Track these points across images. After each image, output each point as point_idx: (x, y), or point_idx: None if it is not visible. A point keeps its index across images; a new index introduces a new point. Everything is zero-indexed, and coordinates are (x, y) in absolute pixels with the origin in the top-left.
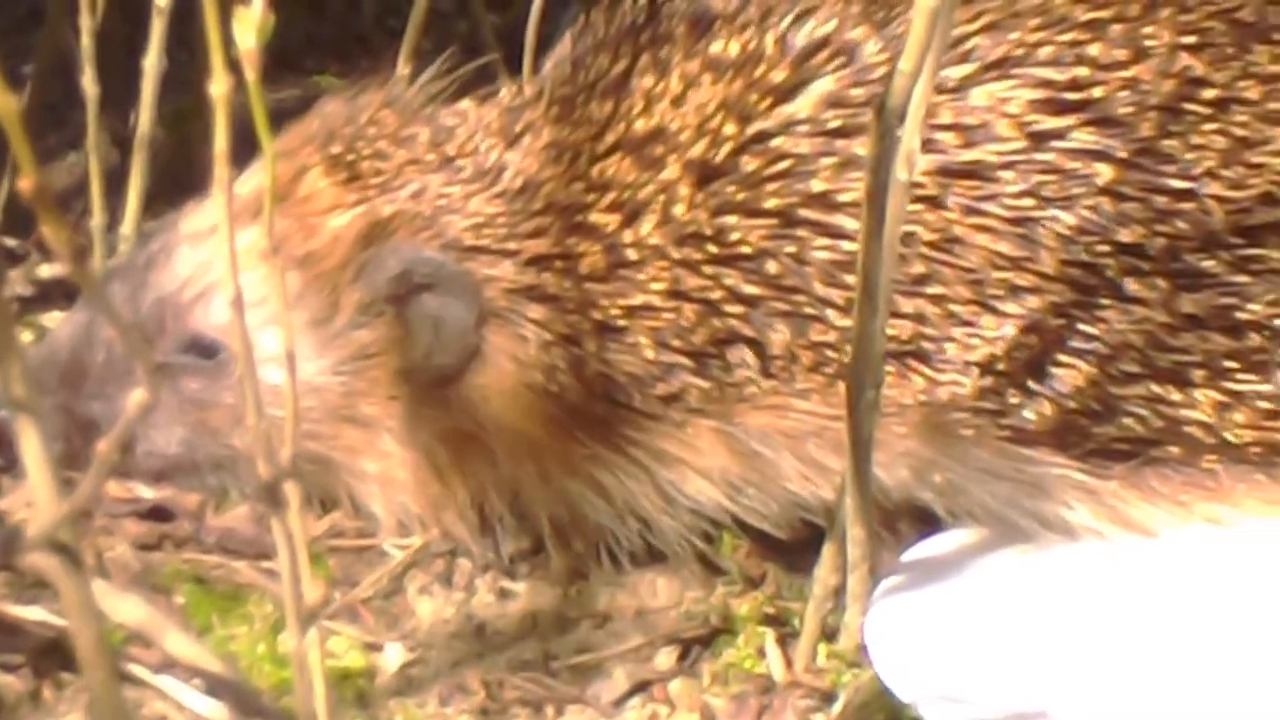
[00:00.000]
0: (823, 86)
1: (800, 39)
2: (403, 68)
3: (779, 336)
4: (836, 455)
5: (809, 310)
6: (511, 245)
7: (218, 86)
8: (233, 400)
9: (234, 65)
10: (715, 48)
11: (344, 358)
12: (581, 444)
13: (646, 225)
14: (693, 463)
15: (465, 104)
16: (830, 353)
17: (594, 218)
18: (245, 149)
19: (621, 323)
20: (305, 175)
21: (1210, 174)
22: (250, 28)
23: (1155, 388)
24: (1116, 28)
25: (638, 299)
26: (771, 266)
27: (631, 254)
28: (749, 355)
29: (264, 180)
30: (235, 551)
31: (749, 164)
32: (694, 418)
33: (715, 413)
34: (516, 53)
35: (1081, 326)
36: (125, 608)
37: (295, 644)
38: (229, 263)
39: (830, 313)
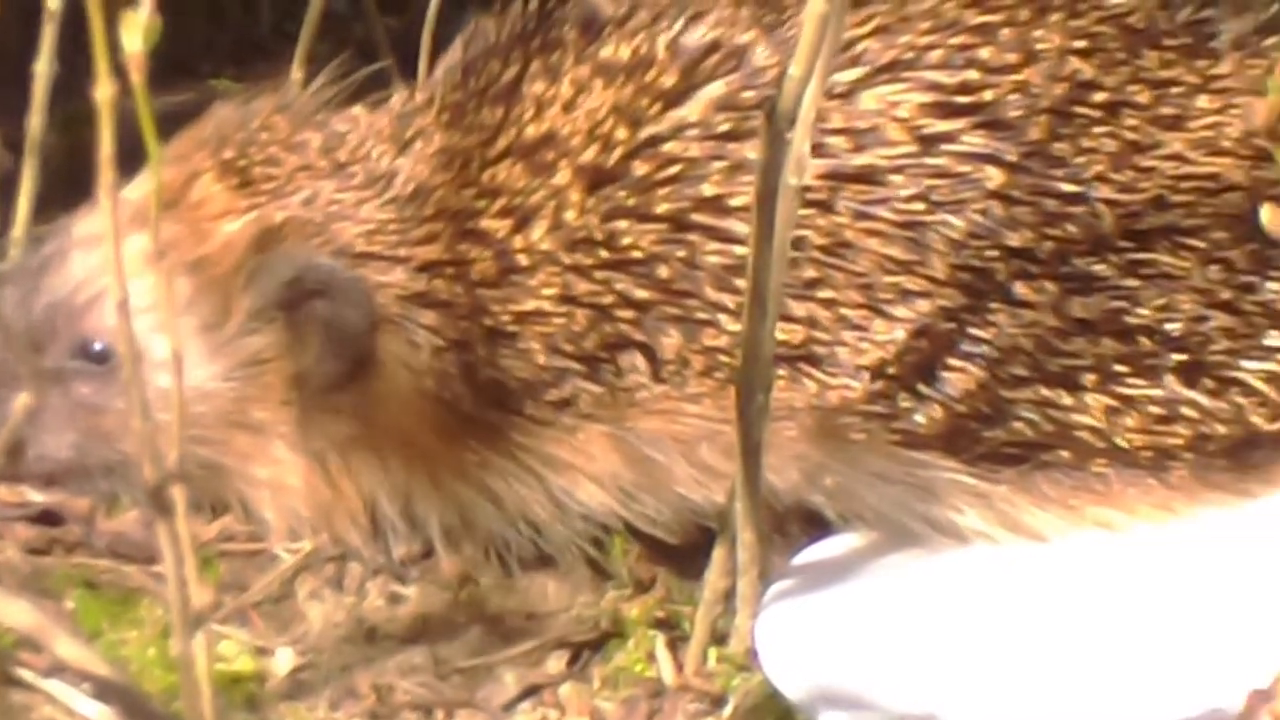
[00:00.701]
0: (713, 90)
1: (690, 43)
2: (296, 72)
3: (670, 341)
4: (728, 459)
5: (700, 315)
6: (403, 251)
7: (102, 91)
8: (124, 405)
9: (122, 70)
10: (606, 52)
11: (235, 363)
12: (473, 450)
13: (537, 231)
14: (584, 468)
15: (357, 110)
16: (722, 357)
17: (485, 224)
18: (141, 153)
19: (513, 328)
20: (198, 180)
21: (1100, 178)
22: (137, 31)
23: (1045, 391)
24: (1007, 31)
25: (529, 304)
26: (663, 271)
27: (522, 260)
28: (640, 360)
29: (152, 185)
30: (126, 556)
31: (640, 169)
32: (585, 423)
33: (607, 418)
34: (414, 56)
35: (971, 330)
36: (14, 612)
37: (182, 648)
38: (115, 266)
39: (722, 317)
